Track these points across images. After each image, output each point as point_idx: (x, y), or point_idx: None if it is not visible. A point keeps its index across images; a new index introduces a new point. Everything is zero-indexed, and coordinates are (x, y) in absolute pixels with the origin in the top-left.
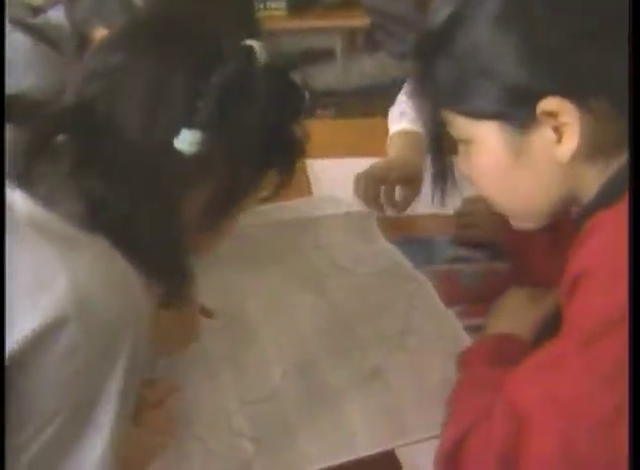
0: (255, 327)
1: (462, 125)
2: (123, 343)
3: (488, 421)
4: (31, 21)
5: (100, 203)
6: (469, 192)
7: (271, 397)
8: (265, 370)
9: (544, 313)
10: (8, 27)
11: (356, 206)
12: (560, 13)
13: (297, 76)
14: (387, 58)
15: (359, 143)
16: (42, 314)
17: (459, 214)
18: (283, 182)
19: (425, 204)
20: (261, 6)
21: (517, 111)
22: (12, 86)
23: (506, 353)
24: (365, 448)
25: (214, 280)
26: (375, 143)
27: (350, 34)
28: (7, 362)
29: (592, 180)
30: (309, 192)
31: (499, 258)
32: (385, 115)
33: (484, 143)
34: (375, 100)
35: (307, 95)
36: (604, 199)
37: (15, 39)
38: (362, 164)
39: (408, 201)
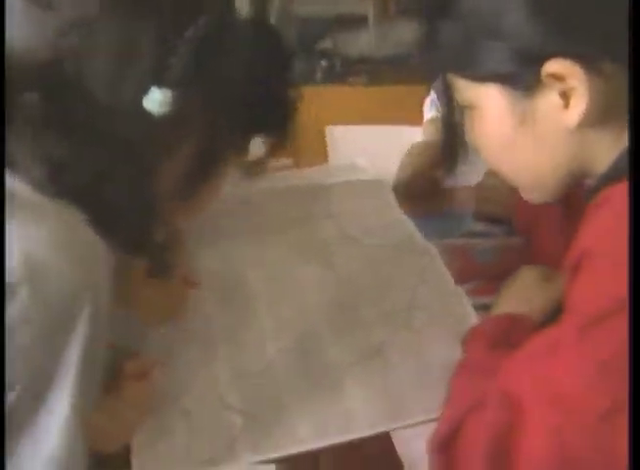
0: (256, 299)
1: (466, 89)
2: (80, 312)
3: (483, 408)
4: None
5: (63, 167)
6: None
7: (266, 371)
8: (262, 344)
9: (557, 294)
10: None
11: (373, 174)
12: None
13: (328, 42)
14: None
15: (388, 111)
16: None
17: (479, 187)
18: (275, 147)
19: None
20: None
21: (521, 73)
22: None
23: (510, 336)
24: (360, 430)
25: (216, 249)
26: (404, 111)
27: (383, 0)
28: None
29: (604, 151)
30: (326, 159)
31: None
32: (417, 82)
33: (488, 108)
34: (408, 68)
35: (339, 62)
36: (615, 172)
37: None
38: (385, 132)
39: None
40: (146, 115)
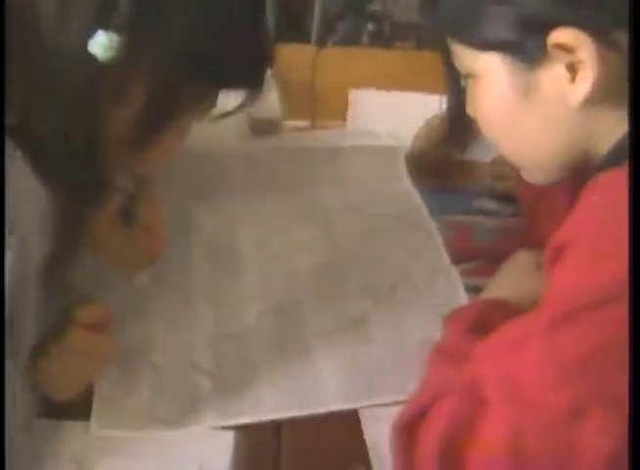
0: (244, 259)
1: (465, 56)
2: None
3: (449, 395)
4: None
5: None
6: None
7: (242, 334)
8: (242, 306)
9: None
10: None
11: (389, 141)
12: None
13: (377, 4)
14: None
15: (423, 78)
16: None
17: (494, 164)
18: (247, 99)
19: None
20: None
21: (524, 42)
22: None
23: (489, 321)
24: (327, 405)
25: (209, 204)
26: (439, 79)
27: None
28: None
29: (610, 132)
30: (344, 123)
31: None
32: None
33: (488, 79)
34: None
35: (387, 25)
36: (615, 157)
37: None
38: (415, 99)
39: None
40: (92, 59)
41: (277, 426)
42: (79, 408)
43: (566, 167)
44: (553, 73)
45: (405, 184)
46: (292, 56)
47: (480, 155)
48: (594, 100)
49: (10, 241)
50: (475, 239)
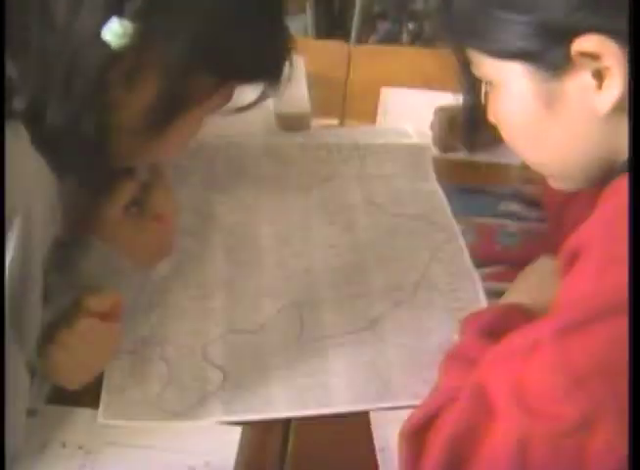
0: (262, 254)
1: (485, 65)
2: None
3: (458, 402)
4: None
5: (14, 89)
6: None
7: (257, 330)
8: (259, 301)
9: None
10: None
11: (417, 140)
12: None
13: (419, 3)
14: None
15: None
16: None
17: (524, 167)
18: (264, 92)
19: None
20: None
21: (547, 50)
22: None
23: (508, 327)
24: (338, 405)
25: (231, 196)
26: None
27: None
28: None
29: None
30: (374, 122)
31: None
32: None
33: (511, 87)
34: None
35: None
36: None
37: None
38: (446, 99)
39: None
40: (105, 46)
41: (285, 424)
42: (88, 396)
43: (591, 176)
44: (578, 82)
45: (431, 184)
46: (326, 53)
47: (509, 157)
48: (621, 107)
49: (16, 225)
50: (498, 242)
